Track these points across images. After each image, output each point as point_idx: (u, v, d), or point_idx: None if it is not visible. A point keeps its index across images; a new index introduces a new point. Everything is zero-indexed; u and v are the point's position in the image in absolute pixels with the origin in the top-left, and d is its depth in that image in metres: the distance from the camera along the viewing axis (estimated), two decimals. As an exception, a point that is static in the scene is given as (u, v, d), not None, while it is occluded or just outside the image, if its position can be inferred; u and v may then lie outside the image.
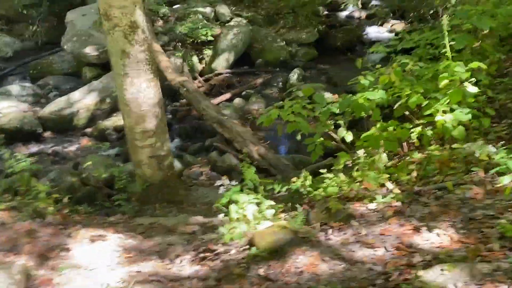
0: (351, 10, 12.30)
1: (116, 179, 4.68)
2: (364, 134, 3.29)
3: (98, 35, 10.14)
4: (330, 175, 3.17)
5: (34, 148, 8.54)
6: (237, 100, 8.34)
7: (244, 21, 10.11)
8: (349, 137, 3.35)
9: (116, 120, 8.83)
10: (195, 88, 8.00)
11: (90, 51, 9.61)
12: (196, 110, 7.52)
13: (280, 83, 8.95)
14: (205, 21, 9.96)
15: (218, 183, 5.45)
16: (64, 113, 8.95)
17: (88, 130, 8.98)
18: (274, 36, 10.17)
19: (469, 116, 3.00)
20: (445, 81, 3.08)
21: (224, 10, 10.42)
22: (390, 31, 10.87)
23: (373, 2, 12.35)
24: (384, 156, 3.04)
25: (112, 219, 3.81)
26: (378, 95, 3.23)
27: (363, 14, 11.86)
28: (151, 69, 3.89)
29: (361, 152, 3.28)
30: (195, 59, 9.78)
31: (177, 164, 5.98)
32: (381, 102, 3.28)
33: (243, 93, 8.65)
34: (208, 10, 10.44)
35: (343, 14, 12.06)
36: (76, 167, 6.93)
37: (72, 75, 11.29)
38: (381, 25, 11.34)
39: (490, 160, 2.79)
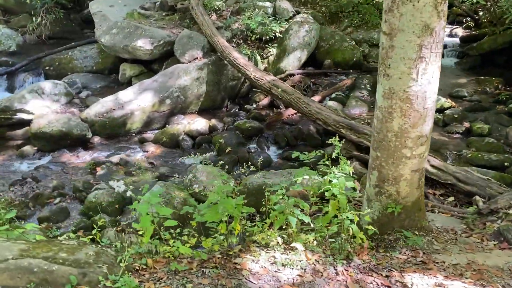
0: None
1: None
2: None
3: (148, 28, 8.79)
4: None
5: (85, 156, 7.08)
6: (331, 103, 7.39)
7: (311, 18, 9.16)
8: None
9: (186, 124, 7.56)
10: (293, 89, 6.95)
11: (143, 44, 8.23)
12: (304, 114, 6.46)
13: (368, 86, 8.08)
14: (268, 17, 8.96)
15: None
16: (114, 115, 7.56)
17: (147, 135, 7.64)
18: (342, 35, 9.29)
19: None
20: None
21: (286, 5, 9.40)
22: (451, 35, 10.43)
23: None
24: None
25: (400, 256, 2.76)
26: None
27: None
28: (441, 53, 2.90)
29: None
30: (257, 57, 8.73)
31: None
32: None
33: (332, 95, 7.71)
34: (268, 4, 9.39)
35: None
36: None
37: (98, 72, 9.84)
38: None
39: None
